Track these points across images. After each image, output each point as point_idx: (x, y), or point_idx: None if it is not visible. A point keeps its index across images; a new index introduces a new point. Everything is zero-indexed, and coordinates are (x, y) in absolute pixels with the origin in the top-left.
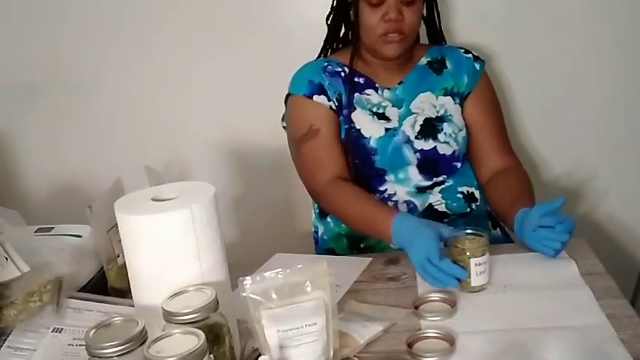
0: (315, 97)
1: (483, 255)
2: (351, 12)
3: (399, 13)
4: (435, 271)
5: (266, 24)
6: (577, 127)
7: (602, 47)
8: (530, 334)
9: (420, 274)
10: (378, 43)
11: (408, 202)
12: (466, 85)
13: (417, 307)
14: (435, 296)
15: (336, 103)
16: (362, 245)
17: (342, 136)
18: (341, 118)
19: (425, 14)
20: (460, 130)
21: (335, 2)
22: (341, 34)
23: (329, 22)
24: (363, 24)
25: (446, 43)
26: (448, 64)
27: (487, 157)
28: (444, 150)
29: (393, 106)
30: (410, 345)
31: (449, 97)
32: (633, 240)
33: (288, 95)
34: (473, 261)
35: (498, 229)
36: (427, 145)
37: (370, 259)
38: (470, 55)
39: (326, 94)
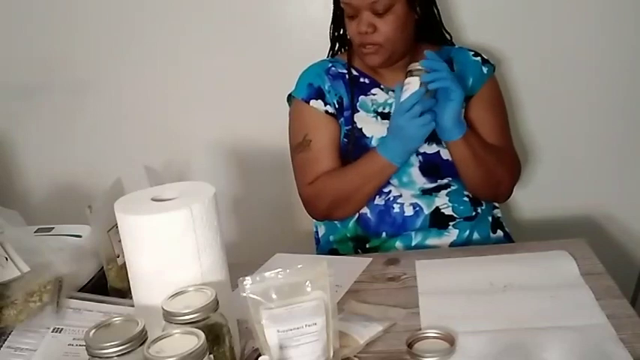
0: (312, 102)
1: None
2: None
3: (370, 25)
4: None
5: (267, 24)
6: (580, 128)
7: (612, 49)
8: (530, 334)
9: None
10: (360, 52)
11: (414, 205)
12: (470, 88)
13: (410, 346)
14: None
15: (336, 106)
16: (367, 246)
17: (343, 137)
18: (342, 120)
19: (420, 14)
20: None
21: (333, 12)
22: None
23: (330, 30)
24: (348, 33)
25: (454, 44)
26: (455, 66)
27: None
28: (448, 155)
29: None
30: (410, 345)
31: None
32: (633, 240)
33: (290, 95)
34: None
35: (499, 231)
36: (431, 149)
37: (370, 259)
38: (479, 58)
39: (323, 98)
